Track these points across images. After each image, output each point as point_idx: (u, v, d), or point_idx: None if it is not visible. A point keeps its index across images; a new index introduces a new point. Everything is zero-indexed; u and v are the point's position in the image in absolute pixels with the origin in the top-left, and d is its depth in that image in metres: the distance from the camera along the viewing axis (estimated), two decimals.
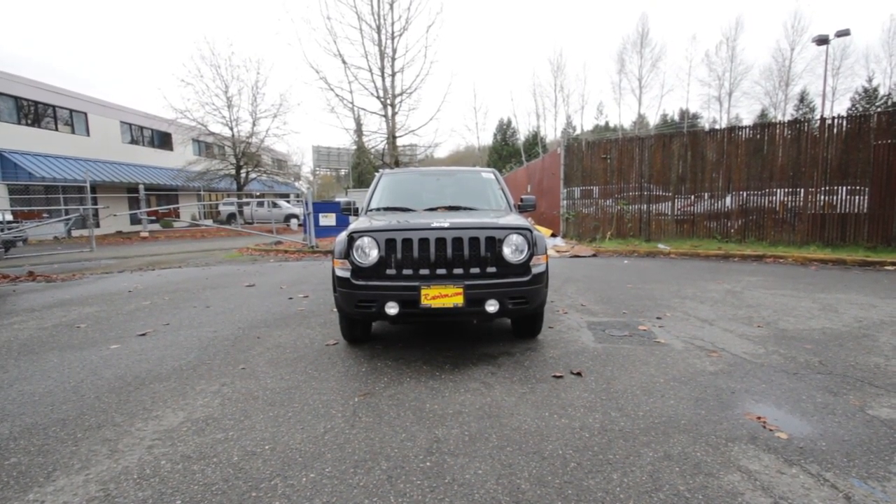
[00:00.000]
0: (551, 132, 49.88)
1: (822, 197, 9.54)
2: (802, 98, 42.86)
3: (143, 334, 4.38)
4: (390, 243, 3.34)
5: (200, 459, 2.17)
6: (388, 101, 14.21)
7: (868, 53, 46.25)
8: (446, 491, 1.90)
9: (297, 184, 37.06)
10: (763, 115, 43.58)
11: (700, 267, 8.18)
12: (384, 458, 2.16)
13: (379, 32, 13.82)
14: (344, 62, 14.13)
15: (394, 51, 14.29)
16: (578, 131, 49.60)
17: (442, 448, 2.24)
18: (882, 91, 40.28)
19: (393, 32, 14.09)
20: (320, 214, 12.67)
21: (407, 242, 3.32)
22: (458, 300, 3.19)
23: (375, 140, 14.95)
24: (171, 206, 26.26)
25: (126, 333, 4.43)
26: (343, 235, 3.52)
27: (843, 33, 20.04)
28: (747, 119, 45.18)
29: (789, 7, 62.68)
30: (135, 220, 22.26)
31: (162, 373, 3.34)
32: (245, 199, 24.64)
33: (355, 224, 3.65)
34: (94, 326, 4.75)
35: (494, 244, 3.34)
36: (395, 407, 2.72)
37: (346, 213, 4.75)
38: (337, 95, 14.33)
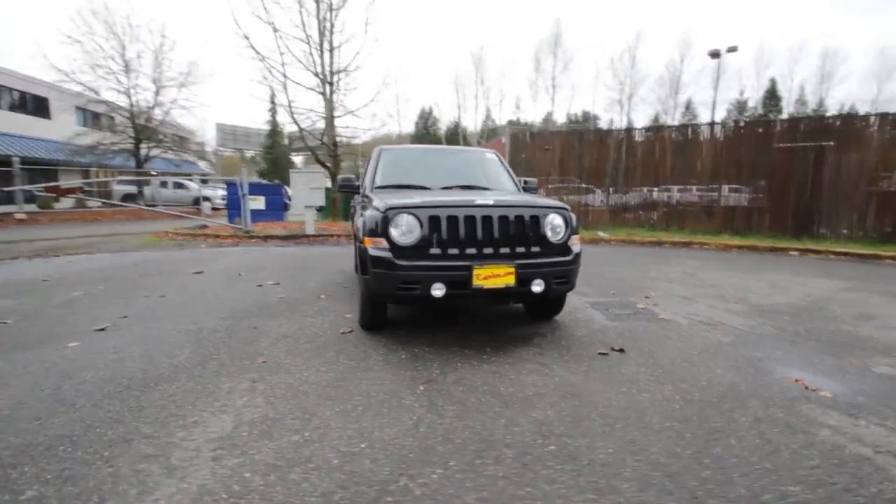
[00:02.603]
0: (472, 123, 50.93)
1: (731, 193, 10.93)
2: (688, 105, 48.57)
3: (103, 329, 3.64)
4: (434, 220, 3.12)
5: (293, 467, 1.84)
6: (327, 79, 13.33)
7: (741, 70, 53.49)
8: (593, 472, 1.82)
9: (201, 164, 33.58)
10: (656, 119, 48.57)
11: (642, 252, 8.91)
12: (503, 446, 2.01)
13: (318, 2, 12.86)
14: (275, 30, 12.95)
15: (332, 24, 13.42)
16: (498, 123, 51.17)
17: (554, 431, 2.15)
18: (750, 104, 47.09)
19: (332, 4, 13.21)
20: (249, 197, 11.59)
21: (452, 220, 3.13)
22: (511, 280, 3.09)
23: (311, 119, 13.96)
24: (72, 183, 22.19)
25: (77, 329, 3.64)
26: (375, 212, 3.22)
27: (732, 49, 23.01)
28: (641, 122, 50.10)
29: (682, 24, 70.35)
30: (4, 200, 18.53)
31: (163, 372, 2.79)
32: (146, 177, 21.63)
33: (387, 200, 3.36)
34: (26, 322, 3.84)
35: (538, 223, 3.28)
36: (470, 392, 2.55)
37: (344, 190, 4.36)
38: (268, 67, 13.11)
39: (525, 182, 4.66)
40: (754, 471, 1.84)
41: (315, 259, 7.53)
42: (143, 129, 20.93)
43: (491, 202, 3.23)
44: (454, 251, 3.12)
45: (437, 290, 3.03)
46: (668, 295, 5.07)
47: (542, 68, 47.65)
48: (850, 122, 10.21)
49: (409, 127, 46.62)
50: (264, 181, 22.66)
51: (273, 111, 35.46)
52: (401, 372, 2.84)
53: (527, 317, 4.12)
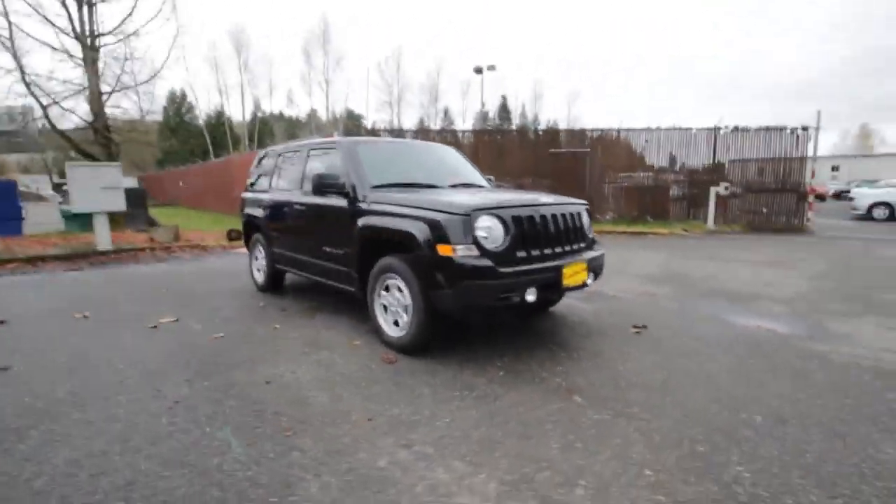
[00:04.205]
0: (237, 113, 45.28)
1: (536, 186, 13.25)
2: (446, 113, 55.17)
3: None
4: (517, 221, 2.89)
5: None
6: (89, 42, 9.68)
7: (480, 84, 63.78)
8: (769, 435, 2.14)
9: None
10: (421, 123, 53.46)
11: None
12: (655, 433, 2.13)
13: None
14: None
15: None
16: (269, 115, 47.08)
17: (725, 404, 2.38)
18: (491, 114, 56.65)
19: None
20: None
21: (531, 220, 2.96)
22: (585, 276, 3.14)
23: (67, 91, 9.83)
24: None
25: None
26: (452, 216, 2.75)
27: (492, 68, 27.34)
28: (409, 125, 54.37)
29: (437, 40, 78.55)
30: None
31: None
32: None
33: (450, 199, 2.90)
34: None
35: (581, 219, 3.42)
36: (616, 401, 2.54)
37: (329, 190, 3.49)
38: None
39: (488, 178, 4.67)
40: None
41: (168, 281, 5.61)
42: None
43: (552, 200, 3.19)
44: (537, 252, 2.96)
45: (531, 295, 2.84)
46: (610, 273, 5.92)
47: (314, 63, 46.09)
48: (602, 136, 13.71)
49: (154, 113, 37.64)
50: None
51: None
52: (524, 387, 2.57)
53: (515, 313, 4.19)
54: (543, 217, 3.03)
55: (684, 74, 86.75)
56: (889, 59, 77.30)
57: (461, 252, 2.70)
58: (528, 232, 2.93)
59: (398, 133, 13.28)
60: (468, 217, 2.73)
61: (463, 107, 54.54)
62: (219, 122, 40.50)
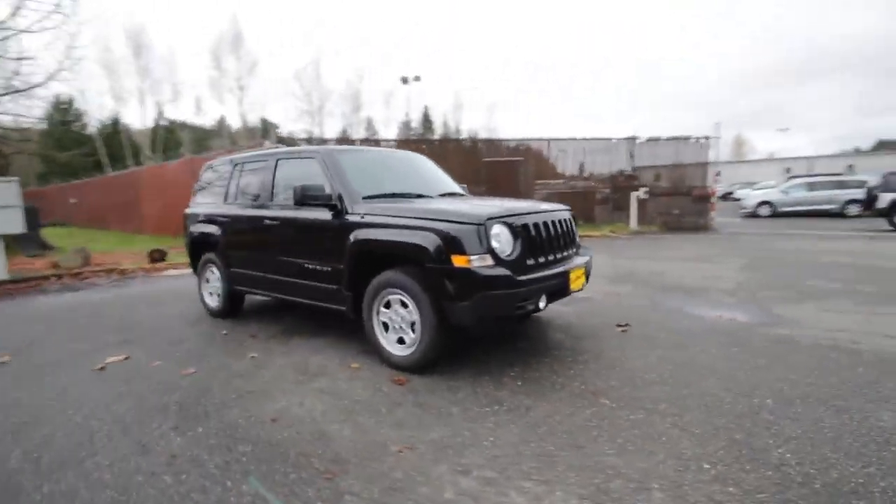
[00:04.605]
0: (138, 121, 40.88)
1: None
2: (370, 122, 54.52)
3: None
4: (525, 229, 2.89)
5: None
6: None
7: (400, 95, 63.99)
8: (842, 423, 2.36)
9: None
10: (343, 132, 52.27)
11: None
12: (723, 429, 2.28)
13: None
14: None
15: None
16: (175, 123, 43.12)
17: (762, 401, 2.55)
18: (413, 124, 56.91)
19: None
20: None
21: (536, 227, 2.97)
22: (584, 279, 3.22)
23: None
24: None
25: None
26: (466, 226, 2.67)
27: (418, 78, 27.55)
28: (331, 134, 52.94)
29: (359, 46, 77.02)
30: None
31: None
32: None
33: (458, 208, 2.81)
34: None
35: (574, 225, 3.50)
36: (627, 395, 2.61)
37: (313, 202, 3.23)
38: None
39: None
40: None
41: (95, 312, 4.84)
42: None
43: (551, 207, 3.24)
44: (543, 259, 2.97)
45: (542, 302, 2.85)
46: None
47: (225, 68, 43.17)
48: (528, 146, 14.38)
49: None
50: None
51: None
52: (550, 395, 2.56)
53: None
54: (545, 224, 3.06)
55: (601, 84, 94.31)
56: (757, 75, 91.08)
57: (477, 262, 2.63)
58: (534, 239, 2.94)
59: (320, 142, 12.86)
60: (483, 226, 2.67)
61: (386, 116, 54.34)
62: (115, 131, 36.30)
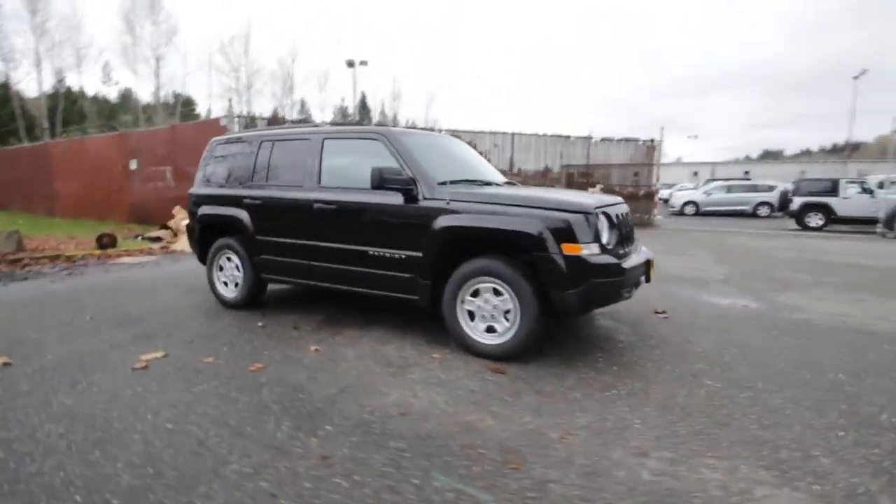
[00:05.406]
0: (34, 86, 35.39)
1: None
2: (303, 105, 51.95)
3: None
4: (618, 219, 2.97)
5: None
6: None
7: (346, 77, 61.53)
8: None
9: None
10: (275, 113, 49.34)
11: None
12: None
13: None
14: None
15: None
16: (77, 90, 37.89)
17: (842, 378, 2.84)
18: (350, 110, 55.22)
19: None
20: None
21: (618, 218, 3.06)
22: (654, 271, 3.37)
23: None
24: None
25: None
26: (578, 215, 2.69)
27: (364, 63, 26.68)
28: (262, 113, 49.76)
29: (289, 22, 72.15)
30: None
31: None
32: None
33: (560, 198, 2.82)
34: None
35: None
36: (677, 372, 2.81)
37: (391, 186, 3.04)
38: None
39: None
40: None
41: (77, 302, 4.16)
42: None
43: (619, 200, 3.34)
44: (624, 250, 3.05)
45: (635, 289, 2.97)
46: None
47: (139, 35, 38.60)
48: (458, 137, 14.59)
49: None
50: None
51: None
52: (656, 377, 2.68)
53: None
54: (623, 215, 3.16)
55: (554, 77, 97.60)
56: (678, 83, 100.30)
57: (587, 251, 2.66)
58: (620, 229, 3.03)
59: (250, 121, 11.03)
60: (593, 214, 2.71)
61: (321, 100, 52.12)
62: (5, 97, 31.12)
